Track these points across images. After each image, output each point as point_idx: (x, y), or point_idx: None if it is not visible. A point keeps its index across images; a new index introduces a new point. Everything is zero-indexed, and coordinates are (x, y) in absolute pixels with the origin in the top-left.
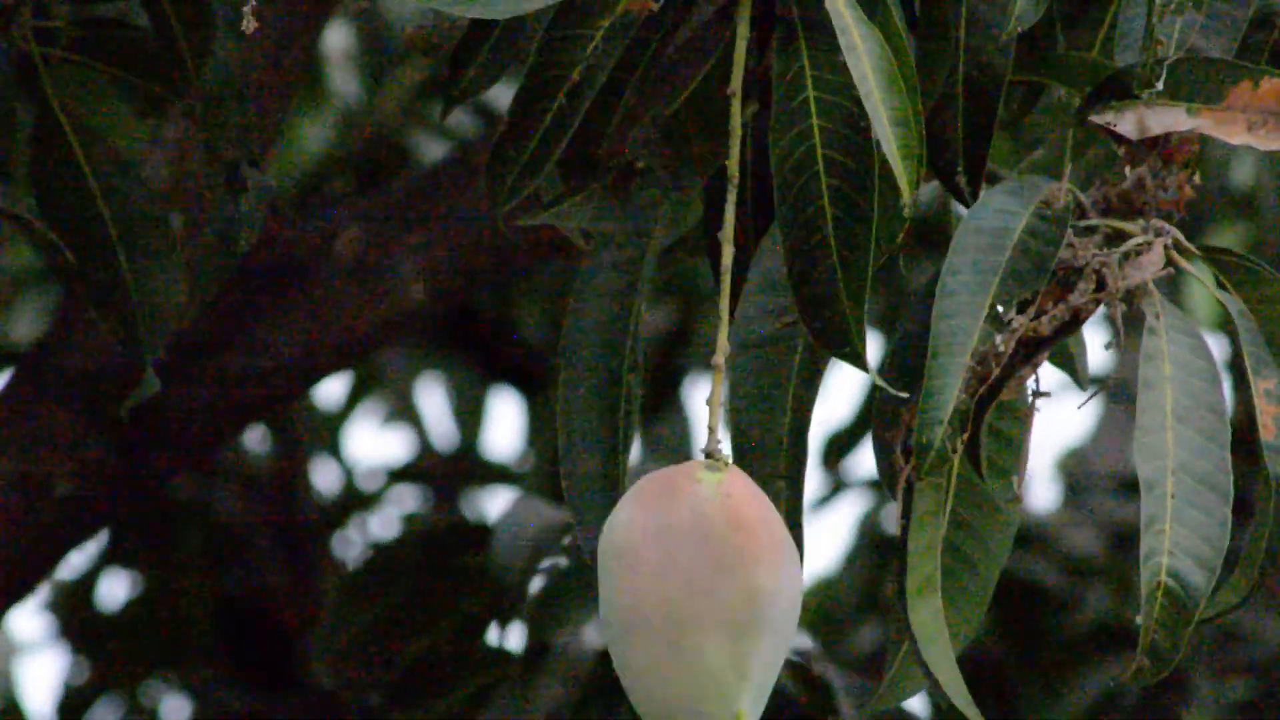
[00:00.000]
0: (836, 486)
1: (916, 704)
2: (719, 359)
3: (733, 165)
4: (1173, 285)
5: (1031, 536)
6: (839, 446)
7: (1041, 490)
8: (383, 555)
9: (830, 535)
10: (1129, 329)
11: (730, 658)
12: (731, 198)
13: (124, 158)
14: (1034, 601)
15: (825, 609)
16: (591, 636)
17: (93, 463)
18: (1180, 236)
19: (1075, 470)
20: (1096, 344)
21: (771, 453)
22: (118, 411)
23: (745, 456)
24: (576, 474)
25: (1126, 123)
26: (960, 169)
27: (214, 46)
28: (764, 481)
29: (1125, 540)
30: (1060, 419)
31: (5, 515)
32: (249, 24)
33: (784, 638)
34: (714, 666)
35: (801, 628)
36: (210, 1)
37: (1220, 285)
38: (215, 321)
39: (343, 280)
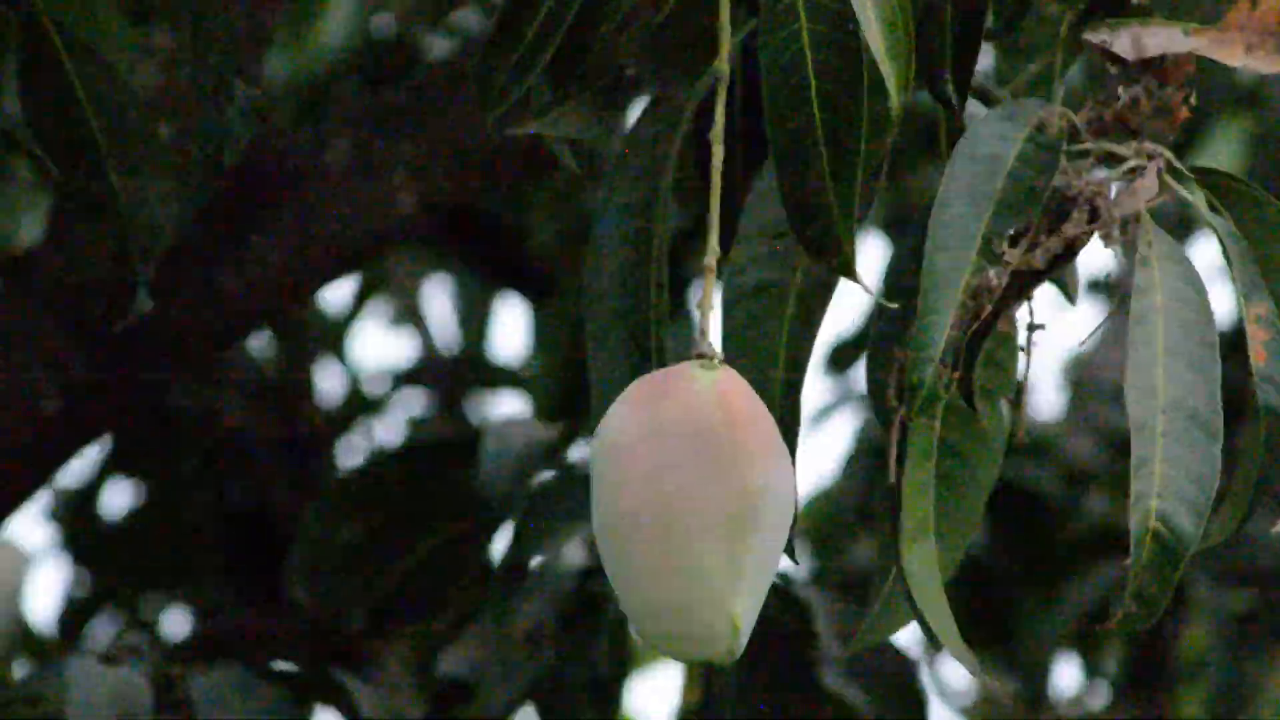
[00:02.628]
0: (841, 396)
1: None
2: (710, 260)
3: (722, 61)
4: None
5: (1033, 445)
6: (844, 357)
7: (1045, 398)
8: (366, 471)
9: (830, 445)
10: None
11: (725, 558)
12: (721, 94)
13: (113, 68)
14: (1033, 509)
15: (821, 523)
16: (573, 554)
17: (81, 378)
18: (1173, 158)
19: (1079, 377)
20: (1089, 254)
21: (766, 403)
22: (109, 325)
23: None
24: (603, 386)
25: (1122, 42)
26: (948, 77)
27: None
28: None
29: (1126, 447)
30: (1066, 328)
31: None
32: None
33: (778, 537)
34: (708, 567)
35: (798, 542)
36: None
37: (1213, 208)
38: (207, 231)
39: (333, 189)
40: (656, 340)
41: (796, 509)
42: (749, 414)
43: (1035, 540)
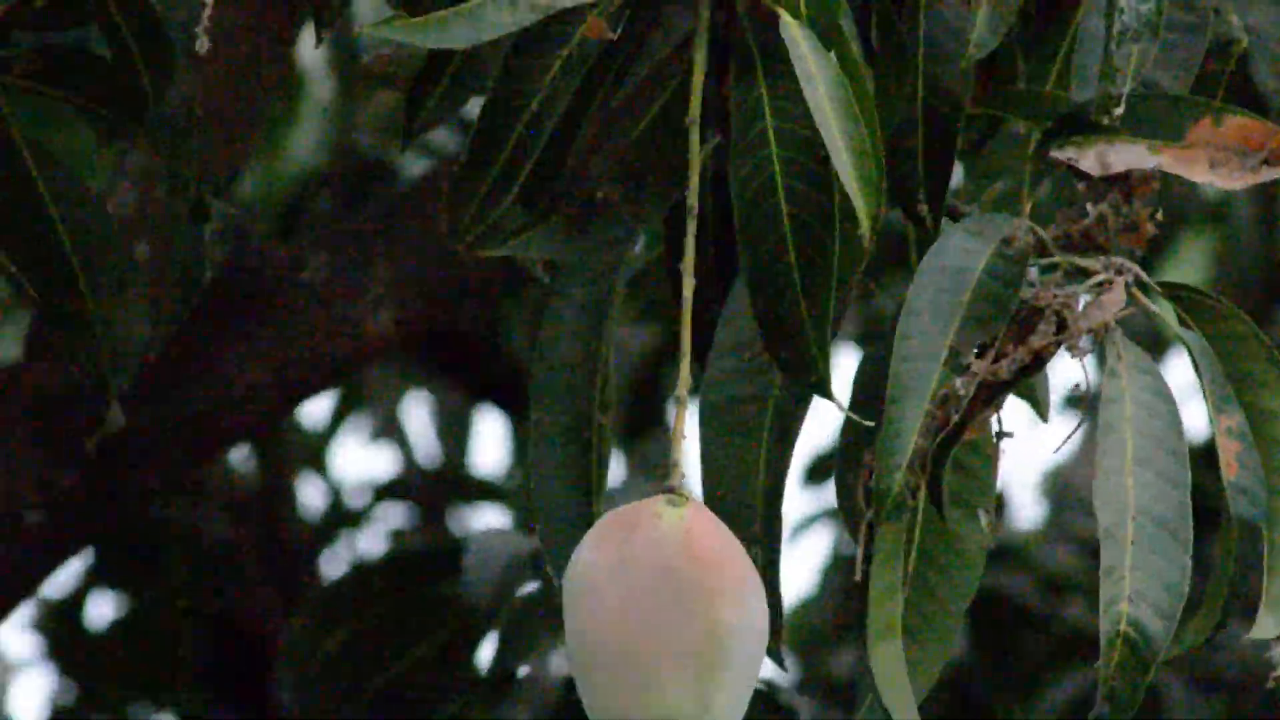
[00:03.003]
0: (820, 508)
1: None
2: (681, 391)
3: (692, 195)
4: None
5: (1012, 554)
6: (822, 469)
7: (1024, 509)
8: (350, 581)
9: (809, 557)
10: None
11: (694, 694)
12: (691, 228)
13: (86, 187)
14: (1011, 618)
15: (802, 631)
16: (559, 663)
17: (63, 491)
18: (1141, 273)
19: (1057, 489)
20: (1066, 370)
21: (745, 517)
22: (84, 443)
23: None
24: (550, 513)
25: (1088, 159)
26: (922, 198)
27: (174, 75)
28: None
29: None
30: (1043, 440)
31: None
32: (202, 44)
33: (749, 673)
34: (677, 703)
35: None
36: (170, 29)
37: (1182, 323)
38: (185, 348)
39: (311, 307)
40: (599, 432)
41: (781, 621)
42: (717, 552)
43: (1011, 647)
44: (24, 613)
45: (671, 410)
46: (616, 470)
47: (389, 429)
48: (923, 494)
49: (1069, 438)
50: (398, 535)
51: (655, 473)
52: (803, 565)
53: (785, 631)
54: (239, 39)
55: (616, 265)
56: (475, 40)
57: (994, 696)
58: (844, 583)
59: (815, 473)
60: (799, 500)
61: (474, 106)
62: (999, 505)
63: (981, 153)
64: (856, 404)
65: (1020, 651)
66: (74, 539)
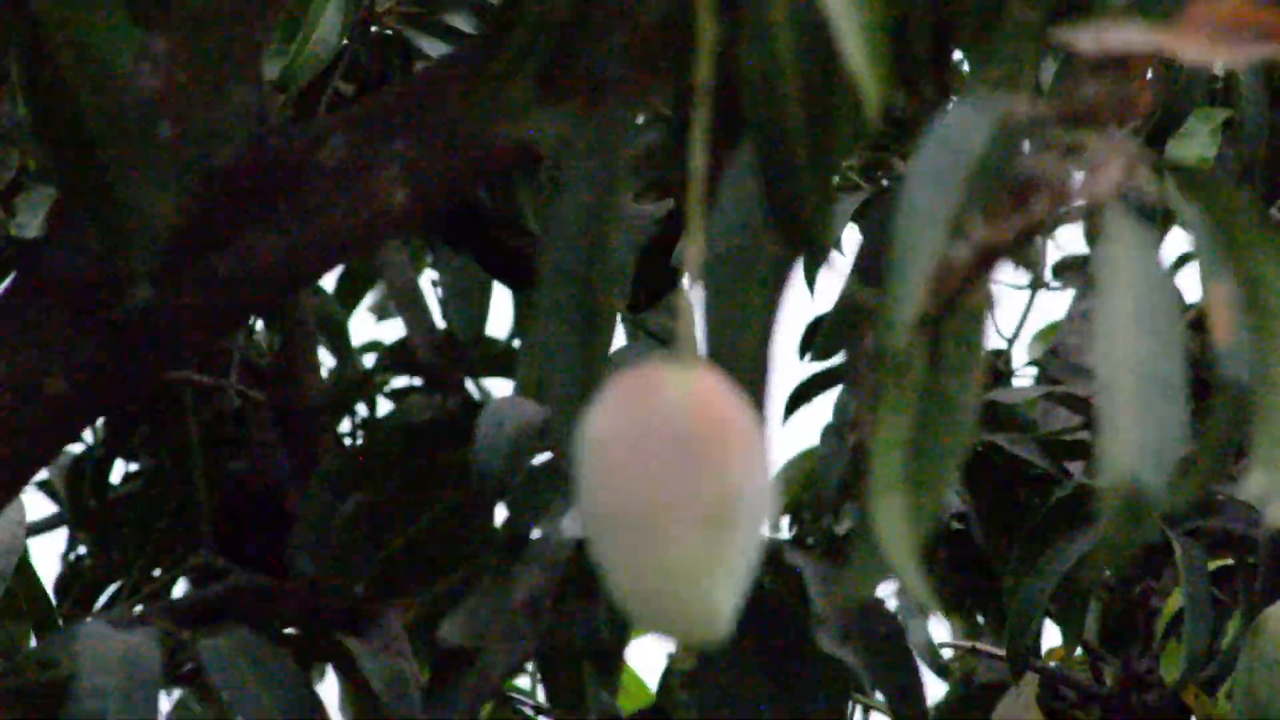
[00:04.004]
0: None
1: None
2: (690, 264)
3: (703, 72)
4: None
5: (1015, 417)
6: (823, 335)
7: (1026, 374)
8: (364, 448)
9: (808, 420)
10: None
11: (705, 551)
12: (702, 105)
13: (110, 68)
14: (1012, 480)
15: (805, 492)
16: (571, 526)
17: (83, 363)
18: (1138, 149)
19: (1051, 351)
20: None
21: (739, 364)
22: (108, 315)
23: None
24: (556, 389)
25: (1086, 39)
26: (926, 78)
27: None
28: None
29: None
30: (1042, 307)
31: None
32: None
33: (756, 531)
34: (690, 560)
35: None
36: None
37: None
38: (206, 225)
39: (327, 186)
40: (605, 309)
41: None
42: (725, 415)
43: (1016, 508)
44: (41, 476)
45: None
46: (628, 340)
47: (404, 300)
48: (922, 355)
49: (1078, 296)
50: (412, 404)
51: (666, 343)
52: (798, 434)
53: (788, 491)
54: None
55: (625, 144)
56: None
57: (996, 556)
58: (843, 445)
59: (814, 338)
60: (800, 365)
61: None
62: (1002, 364)
63: (984, 37)
64: (858, 268)
65: (1022, 512)
66: (95, 409)
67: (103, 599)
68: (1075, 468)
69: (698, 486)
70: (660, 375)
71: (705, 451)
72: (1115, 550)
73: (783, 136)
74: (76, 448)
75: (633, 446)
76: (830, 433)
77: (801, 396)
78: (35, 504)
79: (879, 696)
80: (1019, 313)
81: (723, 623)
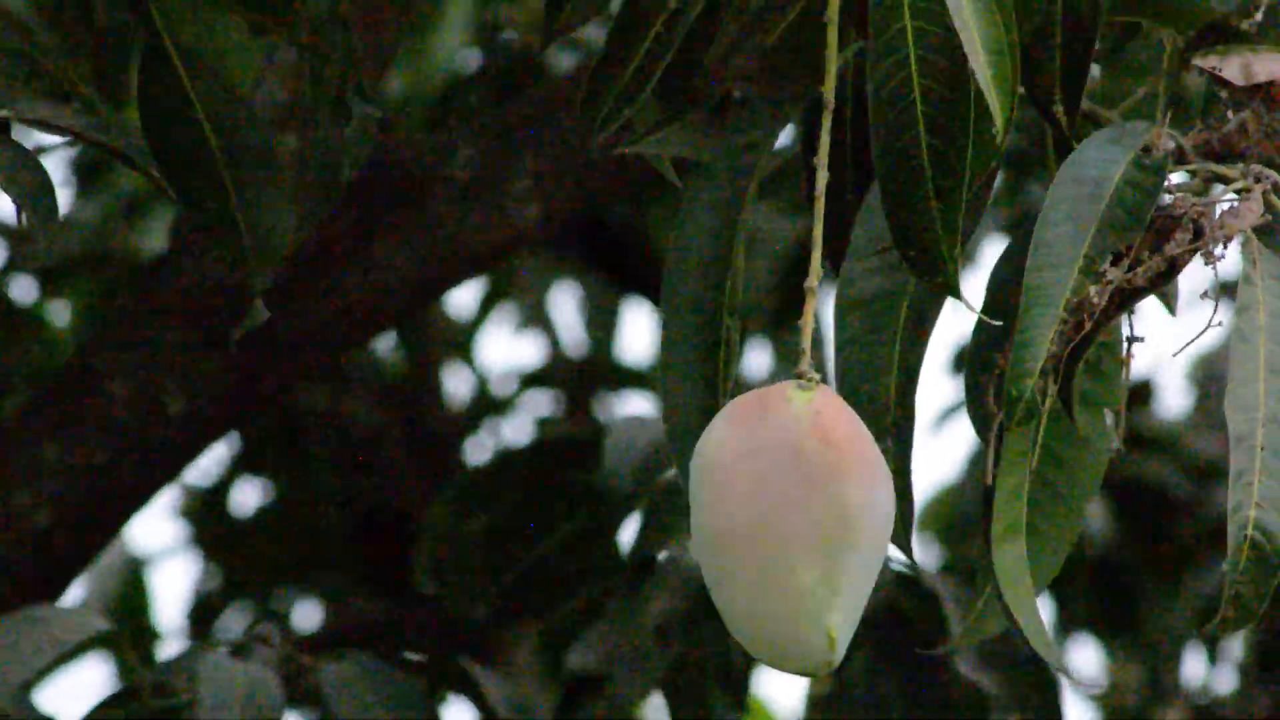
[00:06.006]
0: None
1: None
2: (812, 282)
3: (828, 91)
4: None
5: (1159, 441)
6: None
7: (1172, 397)
8: (492, 467)
9: (953, 445)
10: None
11: (821, 575)
12: (826, 123)
13: (232, 84)
14: (1159, 505)
15: (945, 519)
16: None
17: (204, 383)
18: None
19: (1205, 376)
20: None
21: (880, 413)
22: (228, 333)
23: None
24: (677, 409)
25: (1231, 67)
26: (1057, 99)
27: None
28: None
29: None
30: (1193, 328)
31: (122, 432)
32: None
33: (876, 555)
34: (804, 584)
35: (926, 535)
36: None
37: None
38: (334, 239)
39: (458, 199)
40: (728, 331)
41: (912, 512)
42: (845, 434)
43: (1158, 535)
44: (169, 500)
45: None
46: (763, 360)
47: (536, 318)
48: (1052, 396)
49: (1191, 342)
50: (542, 423)
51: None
52: (946, 453)
53: (928, 519)
54: None
55: (750, 165)
56: None
57: (1140, 582)
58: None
59: (960, 362)
60: (943, 388)
61: (617, 3)
62: (1145, 395)
63: (1119, 56)
64: (991, 302)
65: (1169, 537)
66: (217, 427)
67: (227, 621)
68: (1222, 492)
69: (814, 505)
70: (778, 395)
71: (822, 471)
72: (1244, 603)
73: (909, 157)
74: (203, 469)
75: (748, 464)
76: (970, 459)
77: (948, 418)
78: (162, 527)
79: None
80: (1172, 333)
81: (838, 652)
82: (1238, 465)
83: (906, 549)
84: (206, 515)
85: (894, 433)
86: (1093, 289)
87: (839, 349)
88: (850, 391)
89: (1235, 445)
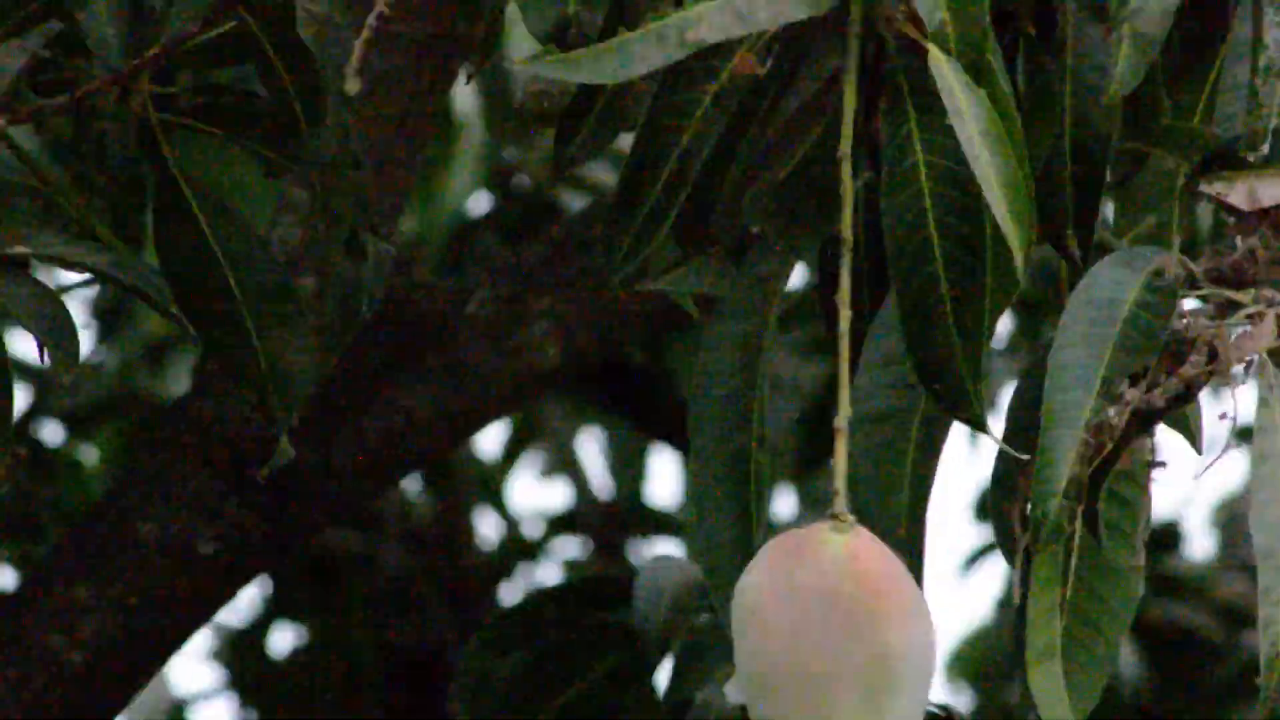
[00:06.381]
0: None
1: None
2: (840, 422)
3: (845, 227)
4: None
5: (1187, 585)
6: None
7: (1198, 540)
8: (525, 608)
9: (986, 586)
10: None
11: (865, 717)
12: (846, 261)
13: (248, 223)
14: (1188, 648)
15: (977, 662)
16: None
17: (234, 523)
18: None
19: (1230, 517)
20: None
21: (890, 532)
22: (255, 473)
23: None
24: (711, 546)
25: (1237, 194)
26: (1070, 231)
27: (326, 112)
28: None
29: None
30: (1217, 470)
31: (152, 576)
32: (352, 85)
33: (919, 696)
34: None
35: (958, 679)
36: (324, 67)
37: None
38: (352, 382)
39: (477, 339)
40: (757, 465)
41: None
42: (883, 576)
43: (1189, 678)
44: (206, 643)
45: None
46: (790, 504)
47: (563, 463)
48: (1079, 521)
49: (1211, 465)
50: (572, 566)
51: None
52: (975, 598)
53: (959, 663)
54: (394, 81)
55: (770, 300)
56: (626, 76)
57: None
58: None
59: (984, 509)
60: (971, 532)
61: (628, 142)
62: (1172, 539)
63: (1129, 187)
64: (1011, 431)
65: (1200, 682)
66: (248, 570)
67: None
68: (1252, 635)
69: (855, 649)
70: (815, 537)
71: (862, 613)
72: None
73: (929, 292)
74: (238, 611)
75: (788, 608)
76: (1001, 602)
77: (976, 561)
78: (200, 669)
79: None
80: (1195, 477)
81: None
82: (1265, 582)
83: None
84: (243, 657)
85: (905, 555)
86: (1112, 410)
87: (850, 466)
88: (860, 511)
89: (1262, 562)
